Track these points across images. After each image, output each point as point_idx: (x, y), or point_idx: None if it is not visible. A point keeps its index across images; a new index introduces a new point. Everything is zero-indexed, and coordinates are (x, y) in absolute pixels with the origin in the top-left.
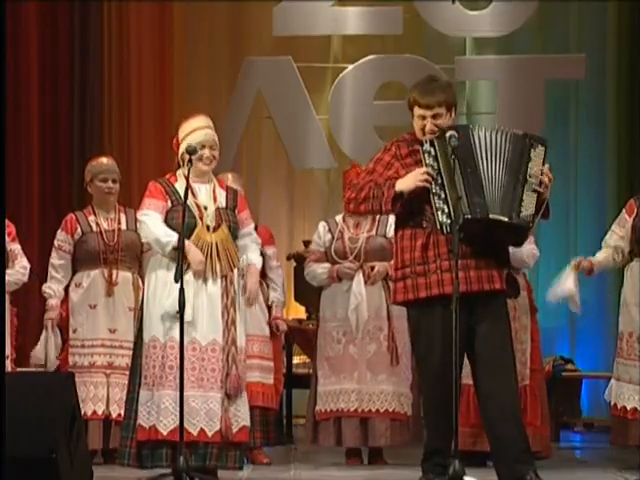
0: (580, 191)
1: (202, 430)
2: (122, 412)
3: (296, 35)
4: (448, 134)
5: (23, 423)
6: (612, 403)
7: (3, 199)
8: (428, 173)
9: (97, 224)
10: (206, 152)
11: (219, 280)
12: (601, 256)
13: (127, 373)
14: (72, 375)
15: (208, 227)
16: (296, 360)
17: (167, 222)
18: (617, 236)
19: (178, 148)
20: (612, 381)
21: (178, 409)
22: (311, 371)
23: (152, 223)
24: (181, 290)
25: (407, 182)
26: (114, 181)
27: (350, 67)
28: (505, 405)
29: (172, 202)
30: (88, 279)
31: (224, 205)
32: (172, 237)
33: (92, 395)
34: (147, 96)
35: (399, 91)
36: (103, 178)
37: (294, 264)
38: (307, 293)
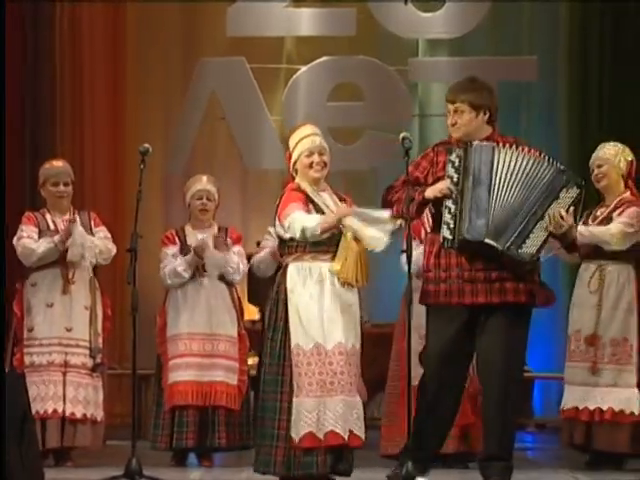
0: None
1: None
2: (75, 411)
3: (250, 36)
4: (473, 148)
5: None
6: (562, 404)
7: (3, 199)
8: (449, 188)
9: (54, 223)
10: (316, 158)
11: (356, 289)
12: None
13: (82, 372)
14: (23, 375)
15: (355, 238)
16: (250, 362)
17: None
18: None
19: (290, 160)
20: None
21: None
22: None
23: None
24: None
25: (432, 190)
26: (66, 184)
27: (304, 68)
28: (492, 409)
29: (316, 210)
30: (44, 278)
31: None
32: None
33: (52, 393)
34: (100, 97)
35: (353, 92)
36: (55, 182)
37: (247, 265)
38: (261, 294)
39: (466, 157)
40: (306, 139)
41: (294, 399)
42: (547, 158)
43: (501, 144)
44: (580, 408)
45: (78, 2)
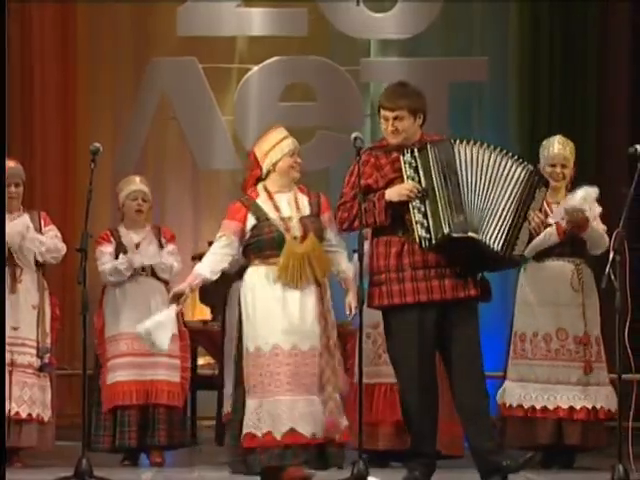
0: None
1: (314, 434)
2: (20, 410)
3: (201, 36)
4: (429, 146)
5: None
6: (509, 404)
7: (3, 198)
8: (416, 188)
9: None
10: (297, 159)
11: (313, 287)
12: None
13: (29, 371)
14: None
15: (296, 237)
16: (201, 361)
17: (252, 238)
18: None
19: (257, 163)
20: (506, 382)
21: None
22: (216, 372)
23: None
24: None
25: (394, 192)
26: (17, 185)
27: (255, 68)
28: (475, 405)
29: (257, 219)
30: None
31: (308, 212)
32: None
33: None
34: (50, 97)
35: (305, 92)
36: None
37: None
38: (212, 294)
39: (425, 157)
40: (287, 140)
41: (247, 400)
42: (508, 153)
43: (457, 140)
44: (538, 407)
45: (28, 2)
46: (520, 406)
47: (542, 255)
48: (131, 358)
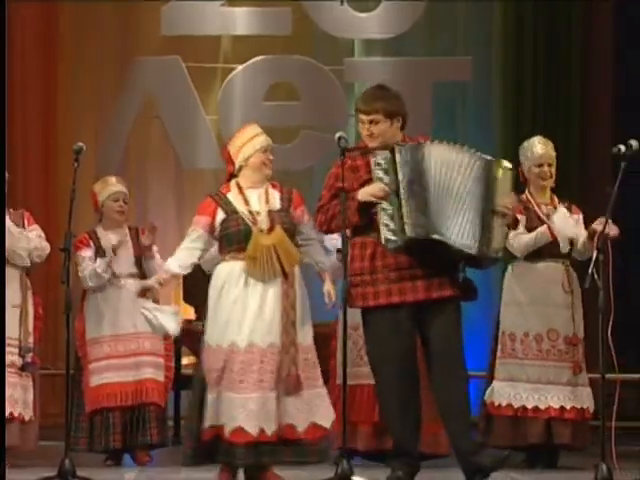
0: None
1: (262, 430)
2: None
3: (185, 35)
4: (397, 148)
5: None
6: (498, 403)
7: (3, 199)
8: (383, 189)
9: None
10: (269, 155)
11: (279, 281)
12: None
13: (10, 370)
14: None
15: (262, 230)
16: (185, 361)
17: (221, 232)
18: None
19: (230, 159)
20: (495, 382)
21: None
22: None
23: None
24: (67, 291)
25: (364, 193)
26: None
27: (239, 67)
28: (454, 403)
29: (226, 212)
30: None
31: (278, 207)
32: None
33: None
34: (33, 96)
35: (288, 92)
36: None
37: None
38: (196, 293)
39: (393, 158)
40: (260, 137)
41: (207, 394)
42: (470, 150)
43: (428, 141)
44: (529, 407)
45: (10, 1)
46: (510, 405)
47: (532, 255)
48: (115, 360)
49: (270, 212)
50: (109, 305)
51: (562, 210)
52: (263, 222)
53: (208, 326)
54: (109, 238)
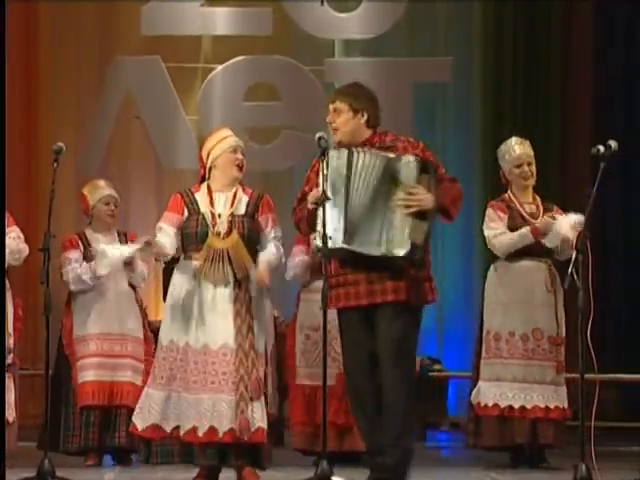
0: None
1: (212, 430)
2: None
3: (165, 35)
4: (330, 152)
5: None
6: (484, 404)
7: (3, 199)
8: (316, 196)
9: None
10: (239, 156)
11: (231, 285)
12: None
13: None
14: None
15: (219, 234)
16: None
17: (182, 231)
18: (498, 230)
19: (202, 162)
20: (480, 382)
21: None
22: None
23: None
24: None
25: (308, 199)
26: None
27: (219, 67)
28: (391, 404)
29: (189, 211)
30: None
31: (242, 212)
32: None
33: None
34: (13, 96)
35: (269, 92)
36: None
37: (162, 265)
38: None
39: (325, 163)
40: (230, 138)
41: (151, 389)
42: (377, 153)
43: (359, 148)
44: (516, 407)
45: None
46: (496, 405)
47: (514, 255)
48: (100, 359)
49: (232, 216)
50: (96, 304)
51: (573, 217)
52: (221, 225)
53: (163, 324)
54: (98, 240)
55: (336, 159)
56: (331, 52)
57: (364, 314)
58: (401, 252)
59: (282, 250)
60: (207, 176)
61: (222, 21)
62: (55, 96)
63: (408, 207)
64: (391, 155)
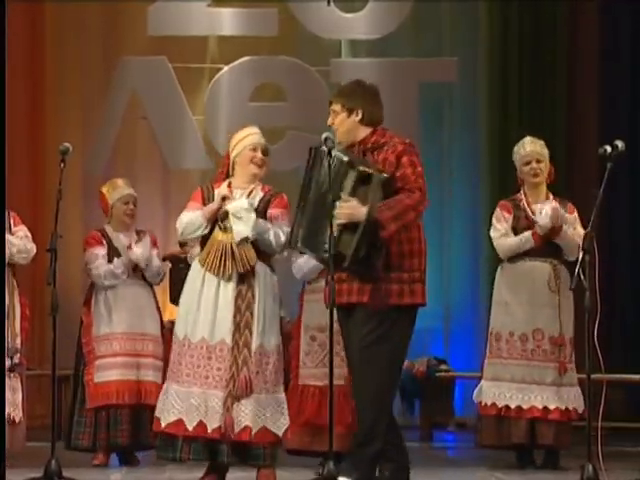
0: (454, 192)
1: (200, 425)
2: None
3: (171, 35)
4: (311, 154)
5: None
6: (485, 403)
7: (3, 199)
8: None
9: None
10: (258, 154)
11: (232, 281)
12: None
13: None
14: None
15: (226, 228)
16: None
17: None
18: (502, 231)
19: (228, 158)
20: (482, 381)
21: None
22: None
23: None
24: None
25: None
26: None
27: (225, 68)
28: (358, 403)
29: (205, 205)
30: None
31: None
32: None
33: None
34: (19, 97)
35: (275, 92)
36: None
37: (169, 265)
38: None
39: (306, 165)
40: (252, 136)
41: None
42: (354, 162)
43: (346, 151)
44: (512, 407)
45: None
46: (494, 405)
47: (519, 255)
48: (123, 358)
49: None
50: (119, 303)
51: (552, 205)
52: (229, 220)
53: (177, 317)
54: (120, 239)
55: (312, 160)
56: (337, 52)
57: (347, 312)
58: (345, 258)
59: (281, 238)
60: (231, 172)
61: (228, 21)
62: (61, 97)
63: (339, 218)
64: (359, 166)
